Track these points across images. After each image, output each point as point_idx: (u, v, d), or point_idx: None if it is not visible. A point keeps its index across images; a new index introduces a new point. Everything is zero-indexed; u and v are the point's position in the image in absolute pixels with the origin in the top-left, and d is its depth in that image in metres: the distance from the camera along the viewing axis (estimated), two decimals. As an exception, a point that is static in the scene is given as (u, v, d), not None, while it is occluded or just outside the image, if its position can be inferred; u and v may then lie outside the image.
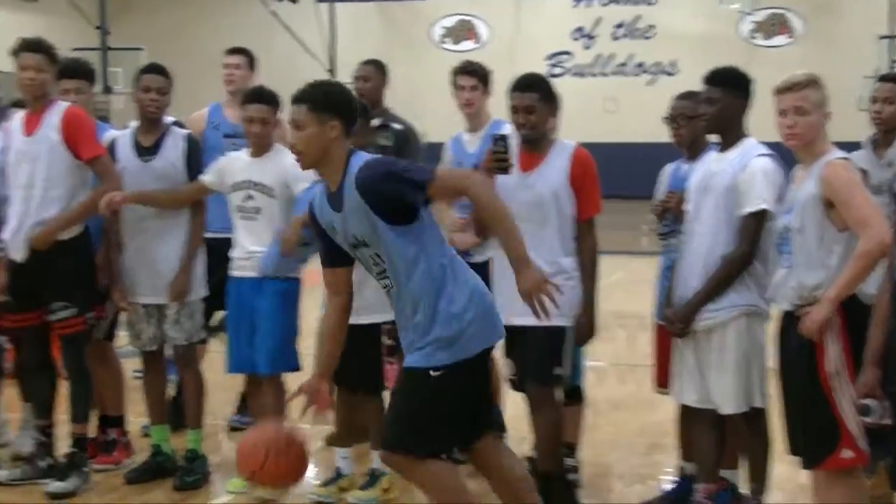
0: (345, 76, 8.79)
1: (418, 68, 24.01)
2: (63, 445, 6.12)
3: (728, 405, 5.01)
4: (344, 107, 4.34)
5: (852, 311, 4.41)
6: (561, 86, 5.81)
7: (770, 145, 5.00)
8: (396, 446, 4.35)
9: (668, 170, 5.87)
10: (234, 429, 7.25)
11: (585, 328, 5.31)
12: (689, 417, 5.35)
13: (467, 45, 27.36)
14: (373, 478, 5.83)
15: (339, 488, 5.87)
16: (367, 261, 4.37)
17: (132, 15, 26.80)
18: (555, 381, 5.27)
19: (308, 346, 5.73)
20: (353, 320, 4.67)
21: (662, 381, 5.61)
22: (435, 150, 6.73)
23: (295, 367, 5.92)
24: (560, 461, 5.45)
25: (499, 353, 5.50)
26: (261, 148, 5.92)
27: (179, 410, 6.50)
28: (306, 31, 25.97)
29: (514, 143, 5.30)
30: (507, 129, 5.59)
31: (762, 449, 5.17)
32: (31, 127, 5.88)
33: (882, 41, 22.80)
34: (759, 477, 5.18)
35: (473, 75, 6.45)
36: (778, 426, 4.82)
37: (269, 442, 4.35)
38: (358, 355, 5.38)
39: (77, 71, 6.38)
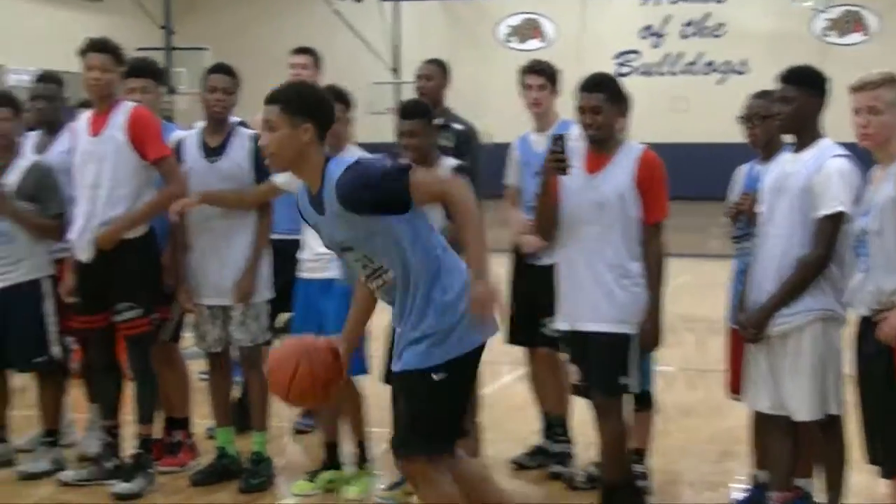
0: (409, 75, 8.76)
1: (484, 68, 24.00)
2: (129, 447, 6.14)
3: (802, 412, 4.90)
4: (317, 110, 4.25)
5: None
6: (628, 85, 5.72)
7: (847, 146, 4.87)
8: (411, 452, 4.33)
9: (742, 171, 5.75)
10: (299, 431, 7.24)
11: (650, 335, 5.16)
12: (763, 424, 5.25)
13: (533, 43, 27.30)
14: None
15: (404, 492, 5.81)
16: (355, 265, 4.37)
17: (196, 15, 27.07)
18: (620, 391, 5.16)
19: (376, 348, 5.69)
20: None
21: (736, 386, 5.50)
22: (501, 150, 6.67)
23: (362, 370, 5.87)
24: (626, 470, 5.35)
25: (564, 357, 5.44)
26: (336, 150, 5.85)
27: (244, 412, 6.50)
28: (370, 30, 26.07)
29: (578, 144, 5.20)
30: (574, 129, 5.50)
31: (838, 457, 5.05)
32: (97, 127, 5.88)
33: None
34: (835, 486, 5.06)
35: (541, 74, 6.36)
36: (855, 434, 4.72)
37: (297, 352, 4.35)
38: None
39: (144, 70, 6.39)
